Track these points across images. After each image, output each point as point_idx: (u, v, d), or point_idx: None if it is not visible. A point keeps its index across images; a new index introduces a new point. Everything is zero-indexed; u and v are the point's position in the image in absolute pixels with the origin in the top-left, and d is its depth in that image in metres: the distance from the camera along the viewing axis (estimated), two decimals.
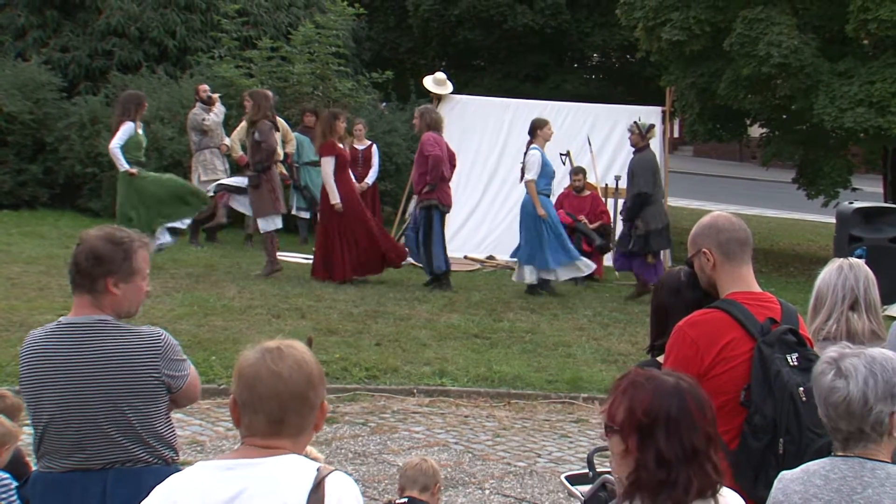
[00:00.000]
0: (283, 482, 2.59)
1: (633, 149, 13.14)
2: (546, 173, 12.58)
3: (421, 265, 12.91)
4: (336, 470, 2.67)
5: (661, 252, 13.30)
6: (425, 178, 12.51)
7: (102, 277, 3.78)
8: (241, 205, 12.90)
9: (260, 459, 2.63)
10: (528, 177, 12.51)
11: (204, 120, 14.68)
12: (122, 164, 12.26)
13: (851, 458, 3.00)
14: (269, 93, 13.50)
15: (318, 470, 2.62)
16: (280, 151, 15.01)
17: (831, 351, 3.11)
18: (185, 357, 3.91)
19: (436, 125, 12.73)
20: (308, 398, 2.68)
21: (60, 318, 3.86)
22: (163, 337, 3.82)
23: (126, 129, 12.25)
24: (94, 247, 3.80)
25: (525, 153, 12.67)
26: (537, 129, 12.60)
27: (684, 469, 2.65)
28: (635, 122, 13.28)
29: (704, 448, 2.68)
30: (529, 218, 12.61)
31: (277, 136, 14.87)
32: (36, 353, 3.78)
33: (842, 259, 4.26)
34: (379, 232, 12.79)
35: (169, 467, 3.76)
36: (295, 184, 15.46)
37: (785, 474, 3.10)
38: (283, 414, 2.65)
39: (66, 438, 3.74)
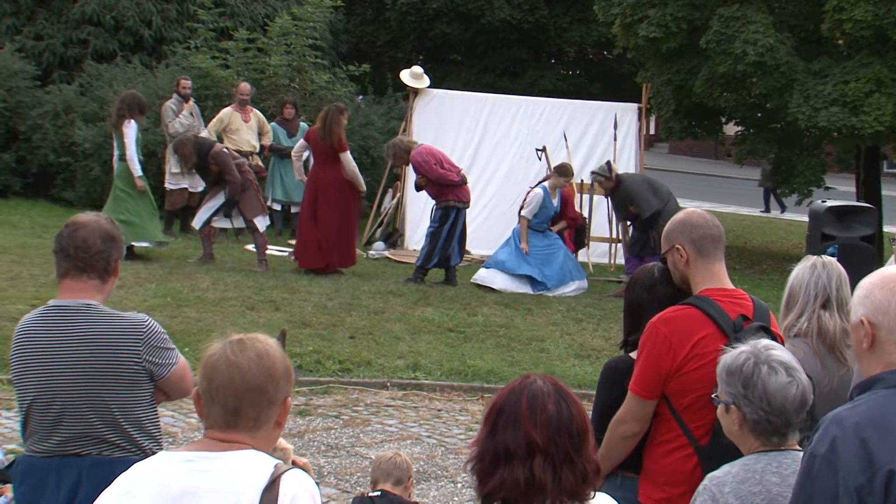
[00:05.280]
0: (238, 478, 2.57)
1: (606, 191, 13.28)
2: (542, 214, 12.88)
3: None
4: (294, 468, 2.64)
5: None
6: (438, 189, 12.66)
7: (115, 258, 3.85)
8: (226, 223, 12.93)
9: (218, 453, 2.61)
10: (523, 213, 12.89)
11: (170, 121, 14.61)
12: (137, 170, 12.30)
13: (785, 451, 3.08)
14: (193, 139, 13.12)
15: (275, 467, 2.59)
16: (256, 144, 15.02)
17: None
18: (172, 346, 3.89)
19: (410, 146, 12.86)
20: (266, 391, 2.65)
21: (49, 301, 3.87)
22: (147, 323, 3.81)
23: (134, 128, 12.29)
24: (103, 227, 3.84)
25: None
26: (559, 174, 12.98)
27: (499, 469, 2.61)
28: (594, 173, 13.41)
29: (522, 453, 2.60)
30: (514, 240, 12.98)
31: (251, 124, 14.89)
32: (24, 334, 3.81)
33: (815, 257, 4.28)
34: (343, 231, 12.77)
35: None
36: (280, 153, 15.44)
37: (720, 476, 3.10)
38: (239, 405, 2.63)
39: (47, 420, 3.76)
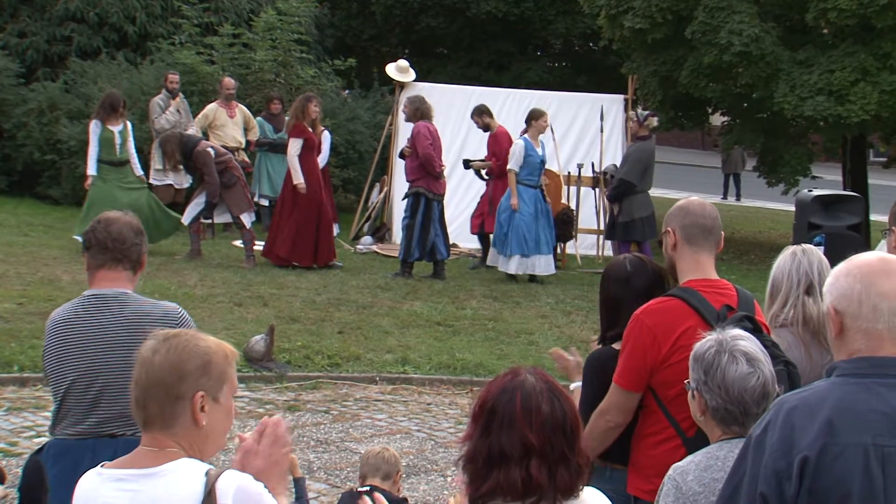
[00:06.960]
0: (170, 499, 2.54)
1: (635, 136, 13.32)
2: (529, 163, 12.69)
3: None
4: (227, 469, 2.61)
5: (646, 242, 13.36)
6: (416, 168, 12.53)
7: (144, 251, 4.12)
8: (224, 217, 13.05)
9: (149, 470, 2.59)
10: (509, 165, 12.77)
11: (156, 117, 14.61)
12: (90, 168, 12.51)
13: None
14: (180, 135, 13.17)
15: (206, 475, 2.56)
16: (241, 139, 14.98)
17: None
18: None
19: (428, 115, 12.79)
20: (167, 385, 2.62)
21: (84, 292, 4.05)
22: (181, 311, 4.05)
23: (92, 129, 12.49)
24: (132, 223, 4.10)
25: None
26: (532, 120, 12.92)
27: (494, 470, 2.58)
28: (634, 111, 13.46)
29: (518, 455, 2.57)
30: (503, 203, 12.84)
31: (236, 120, 14.85)
32: (62, 324, 3.98)
33: (795, 245, 4.30)
34: (324, 227, 12.78)
35: None
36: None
37: (684, 466, 3.10)
38: (144, 400, 2.65)
39: (83, 402, 3.92)
